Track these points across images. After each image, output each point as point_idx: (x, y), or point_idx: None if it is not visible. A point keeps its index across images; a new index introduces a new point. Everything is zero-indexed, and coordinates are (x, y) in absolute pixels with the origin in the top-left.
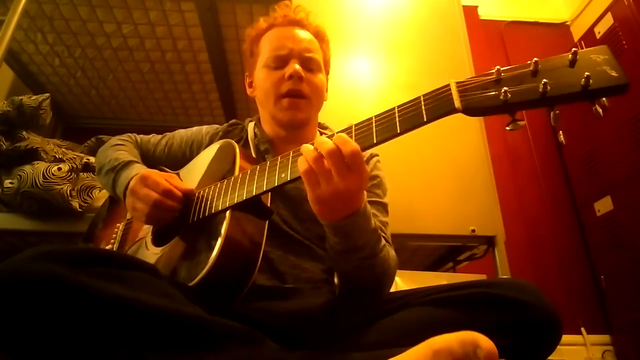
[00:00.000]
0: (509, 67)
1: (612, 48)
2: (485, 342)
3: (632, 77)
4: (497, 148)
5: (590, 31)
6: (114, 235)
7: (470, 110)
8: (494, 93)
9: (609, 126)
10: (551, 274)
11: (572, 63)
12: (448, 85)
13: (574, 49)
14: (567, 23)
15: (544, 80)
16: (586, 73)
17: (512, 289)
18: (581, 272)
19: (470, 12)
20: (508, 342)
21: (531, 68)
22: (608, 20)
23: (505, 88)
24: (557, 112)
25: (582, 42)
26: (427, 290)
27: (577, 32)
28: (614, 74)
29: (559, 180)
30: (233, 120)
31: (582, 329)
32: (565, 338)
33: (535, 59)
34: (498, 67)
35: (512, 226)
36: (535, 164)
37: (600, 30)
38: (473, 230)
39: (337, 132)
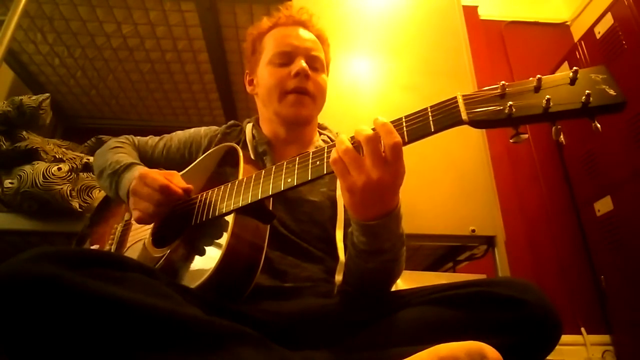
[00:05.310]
0: (512, 82)
1: (612, 48)
2: (491, 353)
3: (632, 76)
4: (497, 148)
5: (590, 31)
6: (112, 236)
7: (476, 122)
8: (499, 107)
9: (609, 126)
10: (551, 274)
11: (573, 81)
12: (455, 98)
13: (574, 68)
14: (567, 23)
15: (547, 96)
16: (587, 91)
17: (512, 288)
18: (581, 272)
19: (470, 12)
20: (508, 340)
21: (534, 84)
22: (608, 20)
23: (510, 102)
24: (559, 127)
25: (582, 42)
26: (428, 290)
27: (577, 32)
28: (612, 92)
29: (559, 180)
30: (231, 122)
31: (582, 329)
32: (565, 338)
33: (538, 75)
34: (503, 82)
35: (512, 226)
36: (535, 164)
37: (600, 30)
38: (473, 230)
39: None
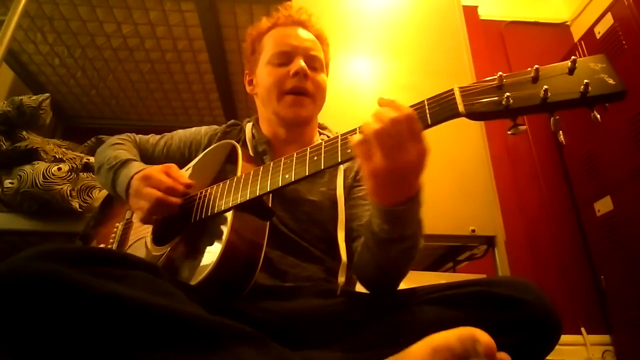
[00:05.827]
0: (510, 73)
1: (612, 48)
2: (483, 337)
3: (632, 76)
4: (497, 148)
5: (590, 31)
6: (113, 235)
7: (473, 114)
8: (496, 98)
9: (609, 126)
10: (551, 274)
11: (571, 70)
12: (452, 89)
13: (572, 57)
14: (567, 23)
15: (545, 86)
16: (585, 80)
17: (512, 288)
18: (581, 272)
19: (470, 12)
20: (508, 340)
21: (532, 74)
22: (608, 20)
23: (507, 93)
24: (557, 117)
25: (582, 42)
26: (428, 289)
27: (577, 32)
28: (611, 81)
29: (559, 180)
30: (232, 121)
31: (582, 329)
32: (565, 338)
33: (536, 65)
34: (500, 73)
35: (512, 226)
36: (535, 164)
37: (600, 30)
38: (473, 230)
39: (341, 135)
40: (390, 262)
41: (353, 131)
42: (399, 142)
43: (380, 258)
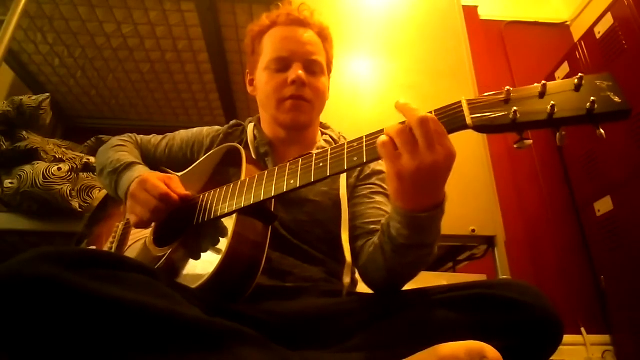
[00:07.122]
0: (517, 87)
1: (612, 48)
2: (491, 353)
3: (632, 77)
4: (497, 148)
5: (590, 31)
6: (114, 234)
7: (480, 127)
8: (503, 113)
9: (609, 126)
10: (551, 274)
11: (578, 87)
12: (459, 102)
13: (580, 74)
14: (567, 23)
15: (552, 102)
16: (592, 98)
17: (513, 290)
18: (581, 272)
19: (470, 12)
20: (509, 343)
21: (539, 90)
22: (608, 20)
23: (514, 108)
24: (564, 133)
25: (582, 42)
26: (429, 291)
27: (577, 32)
28: (617, 99)
29: (559, 180)
30: (234, 122)
31: (582, 329)
32: (565, 338)
33: (543, 81)
34: (508, 87)
35: (512, 226)
36: (535, 164)
37: (600, 30)
38: (473, 230)
39: (348, 142)
40: (404, 267)
41: (359, 140)
42: (427, 142)
43: (394, 262)
